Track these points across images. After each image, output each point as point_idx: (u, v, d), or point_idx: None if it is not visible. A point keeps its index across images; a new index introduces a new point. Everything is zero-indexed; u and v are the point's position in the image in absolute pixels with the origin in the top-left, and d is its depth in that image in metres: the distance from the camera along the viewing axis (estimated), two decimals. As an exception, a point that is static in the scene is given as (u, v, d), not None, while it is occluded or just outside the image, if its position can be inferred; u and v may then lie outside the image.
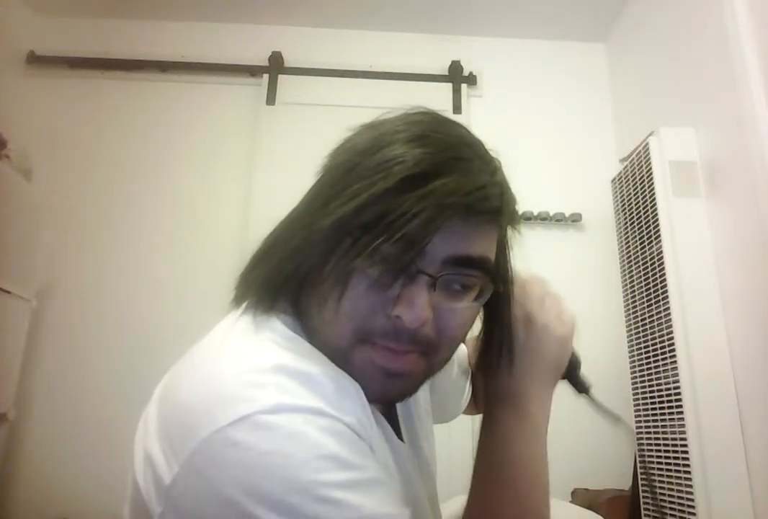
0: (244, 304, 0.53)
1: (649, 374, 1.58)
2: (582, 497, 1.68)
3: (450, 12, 2.23)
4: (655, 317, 1.56)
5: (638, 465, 1.59)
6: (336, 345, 0.50)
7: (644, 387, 1.60)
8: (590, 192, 2.09)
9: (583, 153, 2.21)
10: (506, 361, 0.59)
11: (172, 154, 2.18)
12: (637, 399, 1.63)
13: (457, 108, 2.21)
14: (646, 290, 1.61)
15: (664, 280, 1.52)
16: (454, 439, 1.59)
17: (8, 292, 1.72)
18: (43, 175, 2.04)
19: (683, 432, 1.41)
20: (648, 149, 1.63)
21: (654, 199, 1.59)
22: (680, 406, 1.43)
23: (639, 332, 1.65)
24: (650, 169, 1.62)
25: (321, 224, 0.48)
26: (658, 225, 1.56)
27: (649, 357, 1.59)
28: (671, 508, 1.44)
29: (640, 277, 1.65)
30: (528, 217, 2.06)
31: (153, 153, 2.17)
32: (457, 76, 2.26)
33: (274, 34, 2.31)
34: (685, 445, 1.40)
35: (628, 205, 1.75)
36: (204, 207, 2.12)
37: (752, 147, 1.38)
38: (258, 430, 0.40)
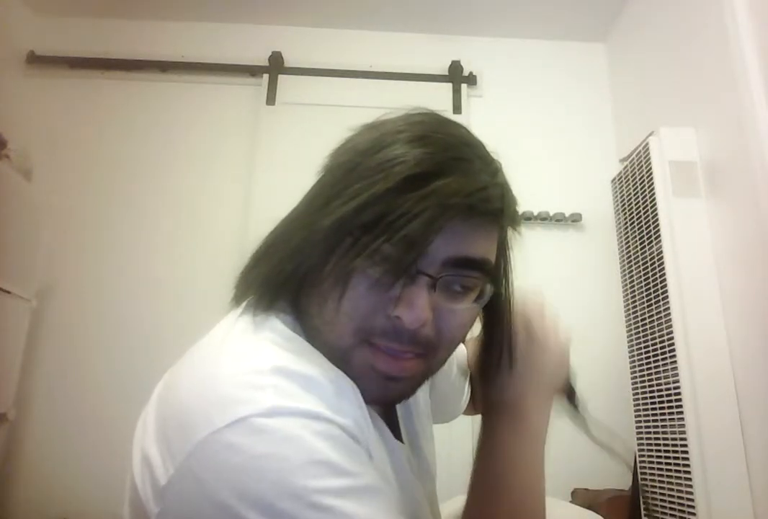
0: (244, 304, 0.53)
1: (649, 374, 1.58)
2: (582, 497, 1.68)
3: (450, 12, 2.23)
4: (655, 317, 1.56)
5: (638, 465, 1.59)
6: (336, 345, 0.49)
7: (644, 387, 1.60)
8: (590, 192, 2.09)
9: (583, 153, 2.21)
10: (506, 363, 0.59)
11: (172, 154, 2.18)
12: (637, 399, 1.63)
13: (457, 108, 2.21)
14: (646, 290, 1.61)
15: (664, 280, 1.52)
16: (454, 439, 1.59)
17: (8, 292, 1.72)
18: (43, 175, 2.04)
19: (683, 432, 1.41)
20: (648, 149, 1.63)
21: (654, 199, 1.59)
22: (680, 406, 1.43)
23: (639, 332, 1.65)
24: (650, 169, 1.62)
25: (321, 224, 0.48)
26: (658, 225, 1.56)
27: (649, 357, 1.59)
28: (671, 508, 1.44)
29: (640, 277, 1.65)
30: (528, 217, 2.06)
31: (153, 153, 2.17)
32: (457, 76, 2.26)
33: (274, 34, 2.31)
34: (685, 445, 1.40)
35: (628, 205, 1.75)
36: (204, 207, 2.12)
37: (752, 147, 1.38)
38: (253, 433, 0.40)
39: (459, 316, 0.51)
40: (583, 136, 2.24)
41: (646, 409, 1.58)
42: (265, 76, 2.24)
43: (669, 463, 1.46)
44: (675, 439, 1.44)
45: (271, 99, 2.21)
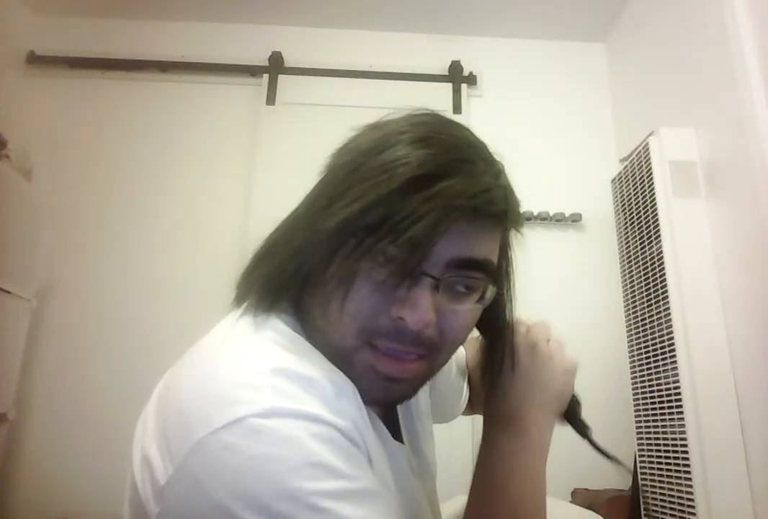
0: (245, 304, 0.53)
1: (649, 374, 1.58)
2: (582, 497, 1.68)
3: (450, 12, 2.23)
4: (655, 317, 1.56)
5: (638, 465, 1.59)
6: (339, 346, 0.49)
7: (644, 387, 1.60)
8: (590, 192, 2.09)
9: (583, 153, 2.21)
10: (508, 366, 0.59)
11: (172, 154, 2.18)
12: (637, 399, 1.63)
13: (457, 108, 2.21)
14: (646, 290, 1.61)
15: (664, 280, 1.52)
16: (454, 439, 1.60)
17: (8, 292, 1.72)
18: (43, 175, 2.04)
19: (683, 432, 1.41)
20: (648, 149, 1.63)
21: (654, 199, 1.59)
22: (680, 406, 1.43)
23: (639, 332, 1.65)
24: (650, 169, 1.61)
25: (325, 225, 0.48)
26: (658, 225, 1.56)
27: (649, 357, 1.59)
28: (671, 508, 1.44)
29: (640, 277, 1.65)
30: (528, 217, 2.06)
31: (153, 153, 2.17)
32: (457, 76, 2.26)
33: (274, 34, 2.31)
34: (685, 445, 1.40)
35: (628, 205, 1.75)
36: (204, 207, 2.12)
37: (752, 147, 1.38)
38: (251, 433, 0.40)
39: (462, 317, 0.51)
40: (583, 136, 2.24)
41: (646, 409, 1.58)
42: (265, 76, 2.24)
43: (669, 463, 1.46)
44: (675, 439, 1.44)
45: (271, 99, 2.21)
